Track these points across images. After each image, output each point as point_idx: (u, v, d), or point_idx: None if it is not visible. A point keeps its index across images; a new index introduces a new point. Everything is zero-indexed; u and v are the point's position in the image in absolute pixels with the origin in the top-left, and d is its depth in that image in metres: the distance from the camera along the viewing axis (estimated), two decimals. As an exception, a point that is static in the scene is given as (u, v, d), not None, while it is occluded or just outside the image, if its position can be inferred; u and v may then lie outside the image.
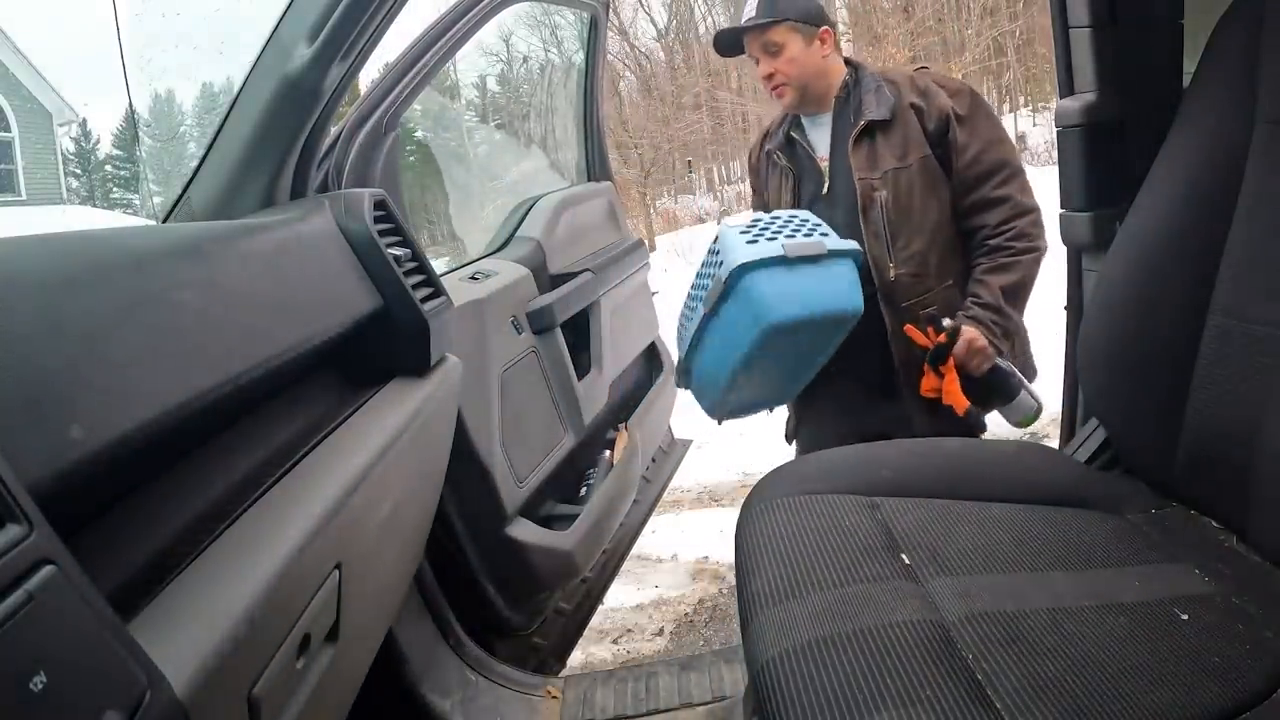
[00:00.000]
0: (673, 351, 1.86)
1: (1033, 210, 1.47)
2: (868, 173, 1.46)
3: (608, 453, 1.69)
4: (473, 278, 1.42)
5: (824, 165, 1.53)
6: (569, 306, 1.59)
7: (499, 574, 1.31)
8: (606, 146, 2.06)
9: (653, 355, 2.08)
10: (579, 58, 2.04)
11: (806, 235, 1.36)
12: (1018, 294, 1.46)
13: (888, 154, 1.46)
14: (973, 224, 1.48)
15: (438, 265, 1.06)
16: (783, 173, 1.59)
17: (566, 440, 1.52)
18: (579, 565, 1.44)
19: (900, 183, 1.45)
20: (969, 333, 1.40)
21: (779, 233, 1.36)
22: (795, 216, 1.41)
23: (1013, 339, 1.49)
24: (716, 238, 1.40)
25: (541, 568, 1.35)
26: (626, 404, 1.86)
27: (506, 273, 1.48)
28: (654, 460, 2.02)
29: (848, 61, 1.57)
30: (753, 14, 1.50)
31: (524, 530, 1.32)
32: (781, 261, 1.32)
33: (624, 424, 1.77)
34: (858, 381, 1.55)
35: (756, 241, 1.34)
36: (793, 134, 1.58)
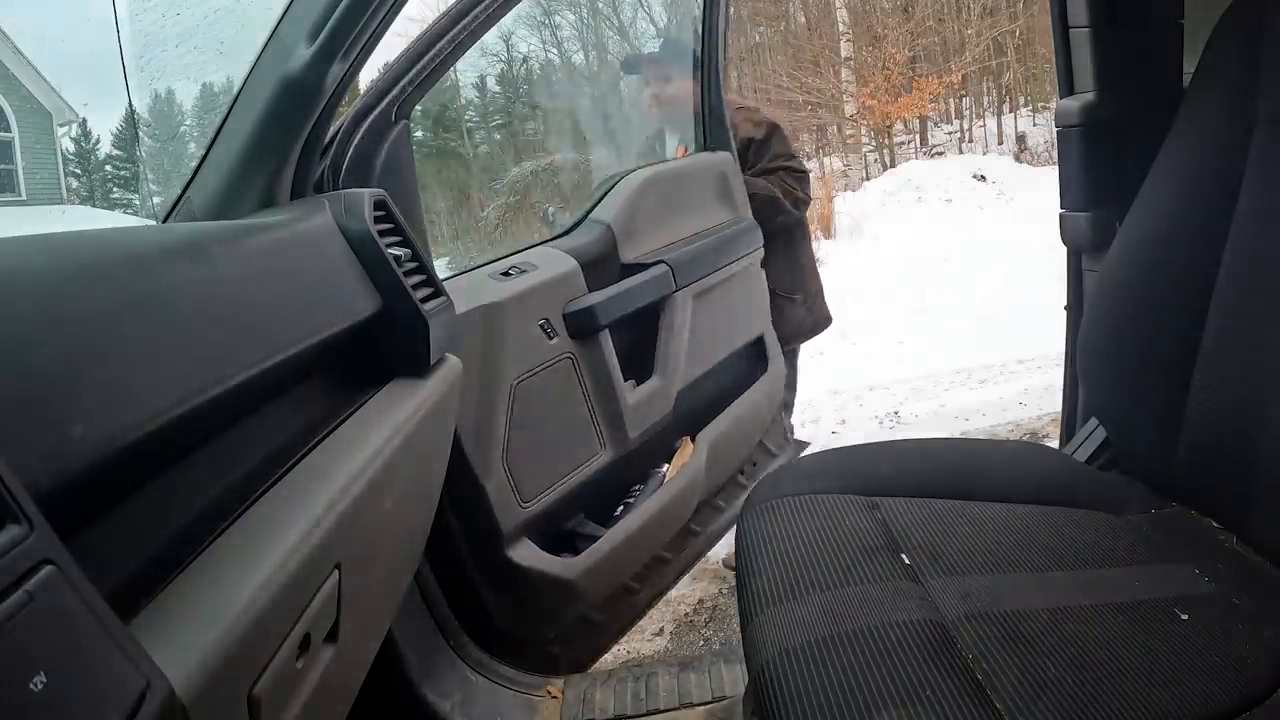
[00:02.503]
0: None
1: (799, 184, 2.02)
2: None
3: (665, 467, 1.54)
4: (505, 273, 1.30)
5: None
6: (626, 304, 1.43)
7: (499, 590, 1.27)
8: (725, 112, 1.84)
9: (759, 351, 1.86)
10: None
11: None
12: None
13: None
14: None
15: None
16: None
17: (603, 454, 1.40)
18: (582, 594, 1.34)
19: None
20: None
21: None
22: None
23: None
24: None
25: (539, 594, 1.28)
26: (713, 408, 1.67)
27: (547, 267, 1.34)
28: (754, 464, 1.87)
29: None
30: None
31: (525, 553, 1.26)
32: None
33: (689, 436, 1.60)
34: None
35: None
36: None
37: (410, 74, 1.15)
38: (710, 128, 1.81)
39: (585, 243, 1.44)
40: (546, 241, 1.46)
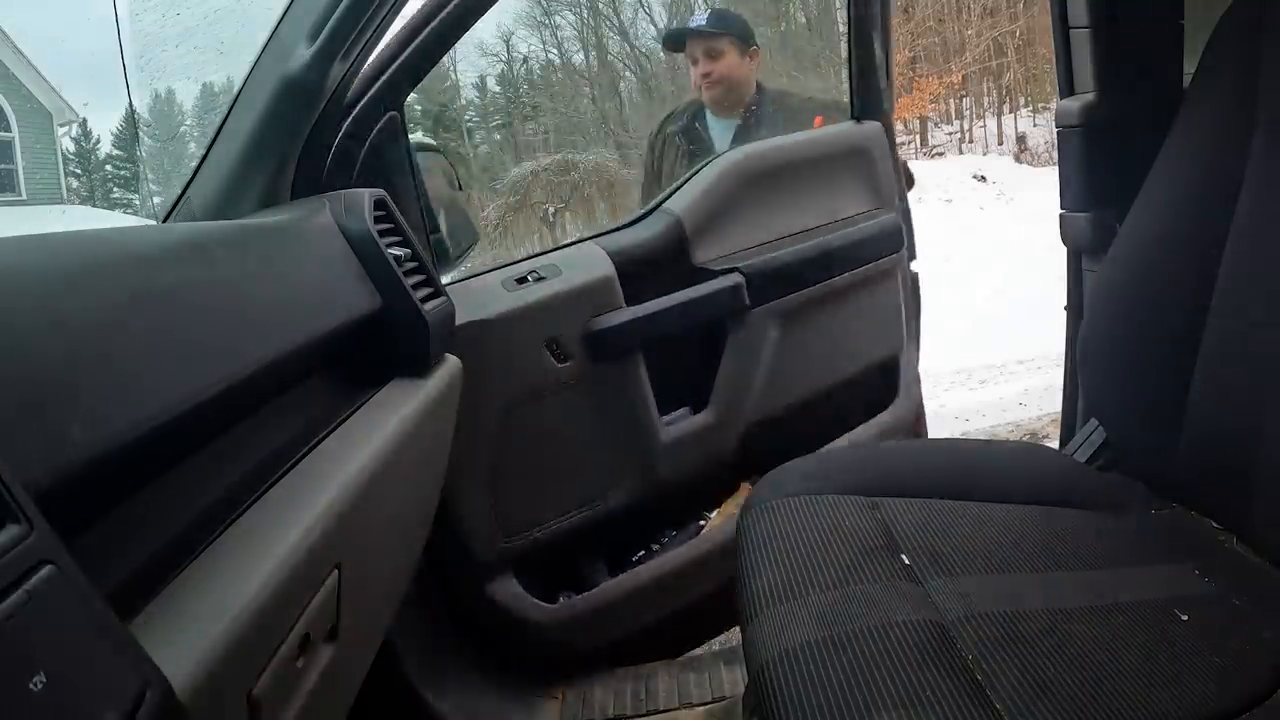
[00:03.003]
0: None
1: None
2: None
3: (712, 515, 1.31)
4: (521, 279, 1.15)
5: None
6: (676, 322, 1.21)
7: (479, 620, 1.20)
8: (882, 74, 1.47)
9: (884, 379, 1.52)
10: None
11: None
12: None
13: None
14: None
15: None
16: (679, 154, 1.89)
17: (617, 494, 1.23)
18: (555, 644, 1.22)
19: None
20: None
21: None
22: None
23: None
24: None
25: (512, 637, 1.18)
26: (797, 449, 1.20)
27: (575, 272, 1.16)
28: None
29: (758, 85, 1.89)
30: (702, 23, 1.84)
31: (504, 589, 1.17)
32: None
33: (748, 481, 1.33)
34: None
35: None
36: (696, 125, 1.89)
37: (398, 63, 1.06)
38: (863, 91, 1.45)
39: (646, 238, 1.22)
40: (599, 234, 1.26)
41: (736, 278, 1.26)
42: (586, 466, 1.21)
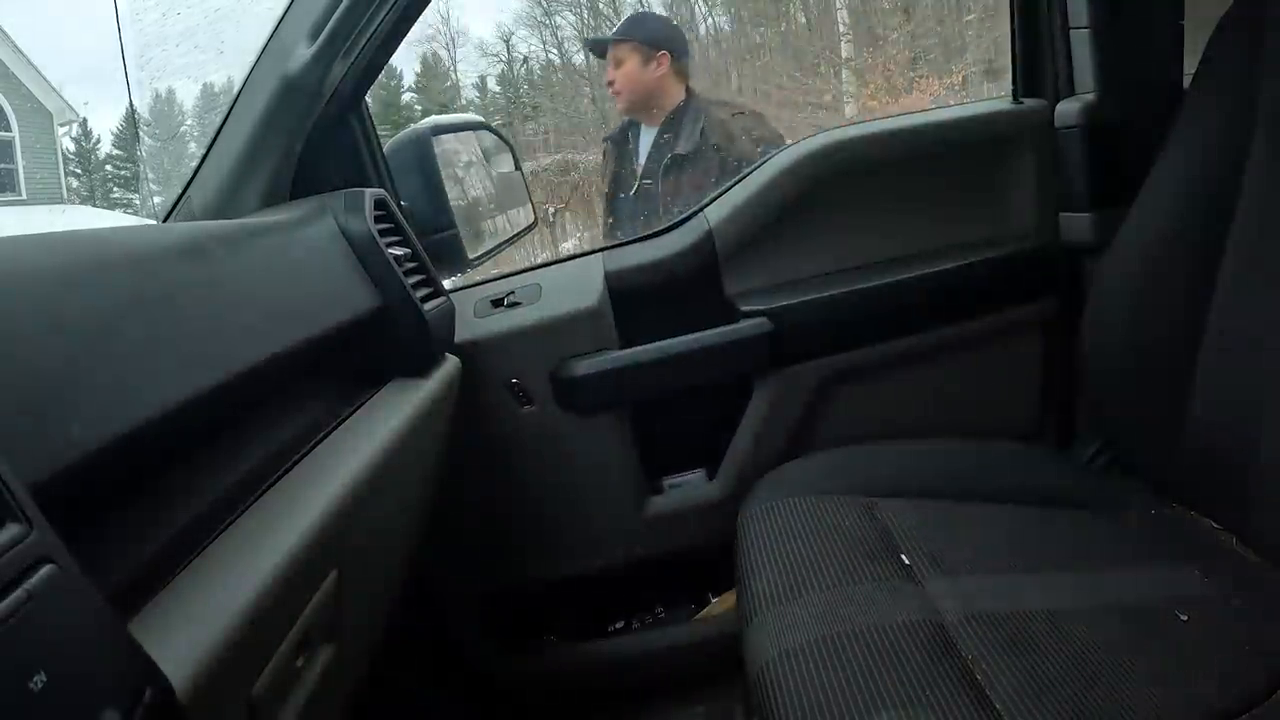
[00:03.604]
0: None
1: None
2: (671, 199, 1.75)
3: (715, 600, 1.12)
4: (497, 300, 1.01)
5: (638, 172, 1.83)
6: (669, 375, 0.99)
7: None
8: (1067, 48, 1.09)
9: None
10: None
11: None
12: None
13: (688, 185, 1.74)
14: None
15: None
16: (607, 162, 1.92)
17: (590, 561, 1.09)
18: (514, 696, 1.14)
19: None
20: None
21: None
22: None
23: None
24: None
25: (468, 682, 1.11)
26: None
27: (558, 298, 0.99)
28: None
29: (688, 90, 1.83)
30: (613, 31, 1.86)
31: (464, 632, 1.14)
32: None
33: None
34: None
35: None
36: (629, 133, 1.89)
37: (352, 57, 0.91)
38: (1032, 64, 1.11)
39: (663, 257, 1.00)
40: (615, 245, 1.05)
41: (764, 324, 1.00)
42: (557, 525, 1.06)
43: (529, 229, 1.13)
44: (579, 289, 1.00)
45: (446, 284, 1.00)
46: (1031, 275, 1.11)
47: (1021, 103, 1.12)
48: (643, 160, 1.86)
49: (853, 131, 1.07)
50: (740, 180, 1.06)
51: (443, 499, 0.97)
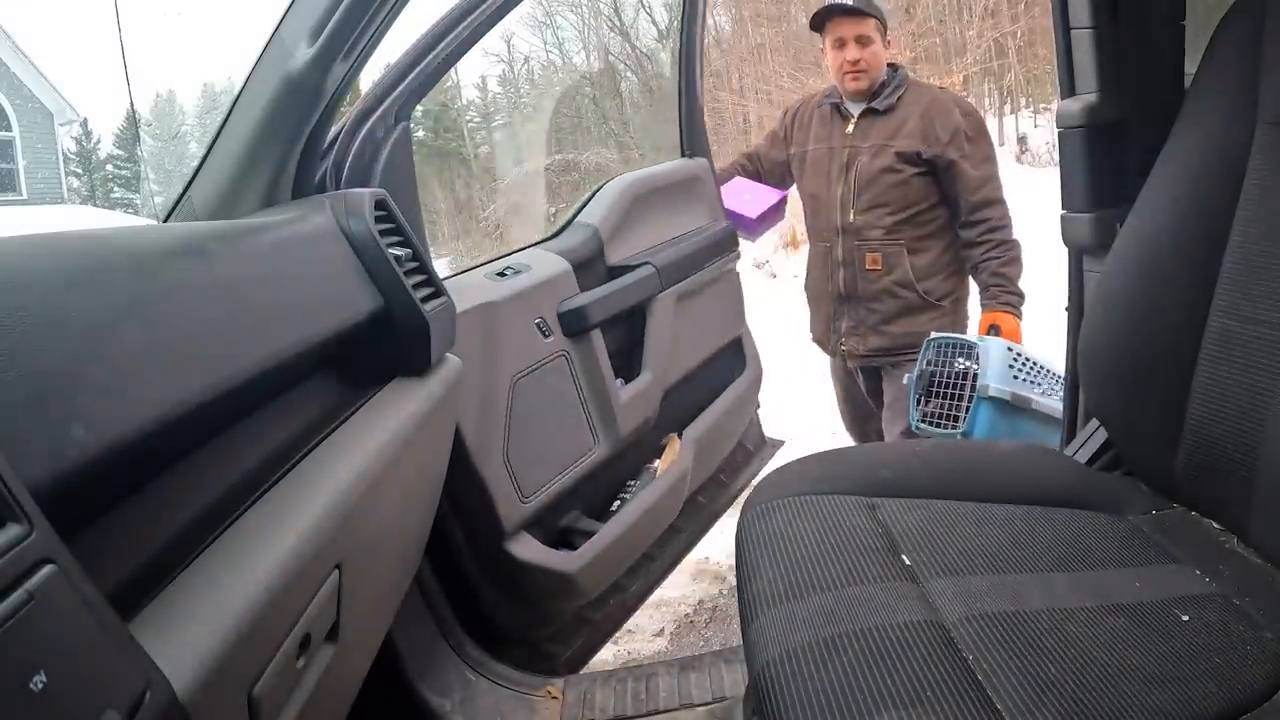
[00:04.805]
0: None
1: (1008, 223, 1.91)
2: (858, 142, 1.94)
3: (656, 463, 1.58)
4: (500, 273, 1.34)
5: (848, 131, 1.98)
6: (615, 304, 1.48)
7: (499, 586, 1.28)
8: (703, 120, 1.92)
9: (736, 353, 1.94)
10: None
11: (1050, 394, 1.67)
12: (1019, 272, 1.90)
13: (876, 133, 1.92)
14: (969, 219, 1.90)
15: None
16: (822, 122, 2.02)
17: (597, 450, 1.42)
18: (582, 590, 1.37)
19: (876, 155, 1.91)
20: (1008, 321, 1.85)
21: (1035, 383, 1.67)
22: (1051, 373, 1.69)
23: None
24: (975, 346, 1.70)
25: (539, 588, 1.31)
26: (696, 406, 1.74)
27: (541, 267, 1.39)
28: (734, 460, 1.92)
29: (890, 64, 1.97)
30: (851, 1, 1.87)
31: (525, 547, 1.27)
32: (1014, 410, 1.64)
33: (677, 433, 1.65)
34: (822, 299, 2.06)
35: (1017, 377, 1.66)
36: (836, 104, 2.00)
37: (411, 76, 1.16)
38: (689, 134, 1.86)
39: (573, 245, 1.47)
40: (537, 244, 1.49)
41: (650, 269, 1.55)
42: (574, 428, 1.39)
43: None
44: (550, 262, 1.41)
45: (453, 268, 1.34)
46: (729, 243, 1.88)
47: (691, 157, 1.88)
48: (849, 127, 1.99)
49: (637, 174, 1.69)
50: (600, 190, 1.61)
51: (507, 427, 1.25)
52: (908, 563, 0.83)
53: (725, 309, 1.85)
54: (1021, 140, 9.67)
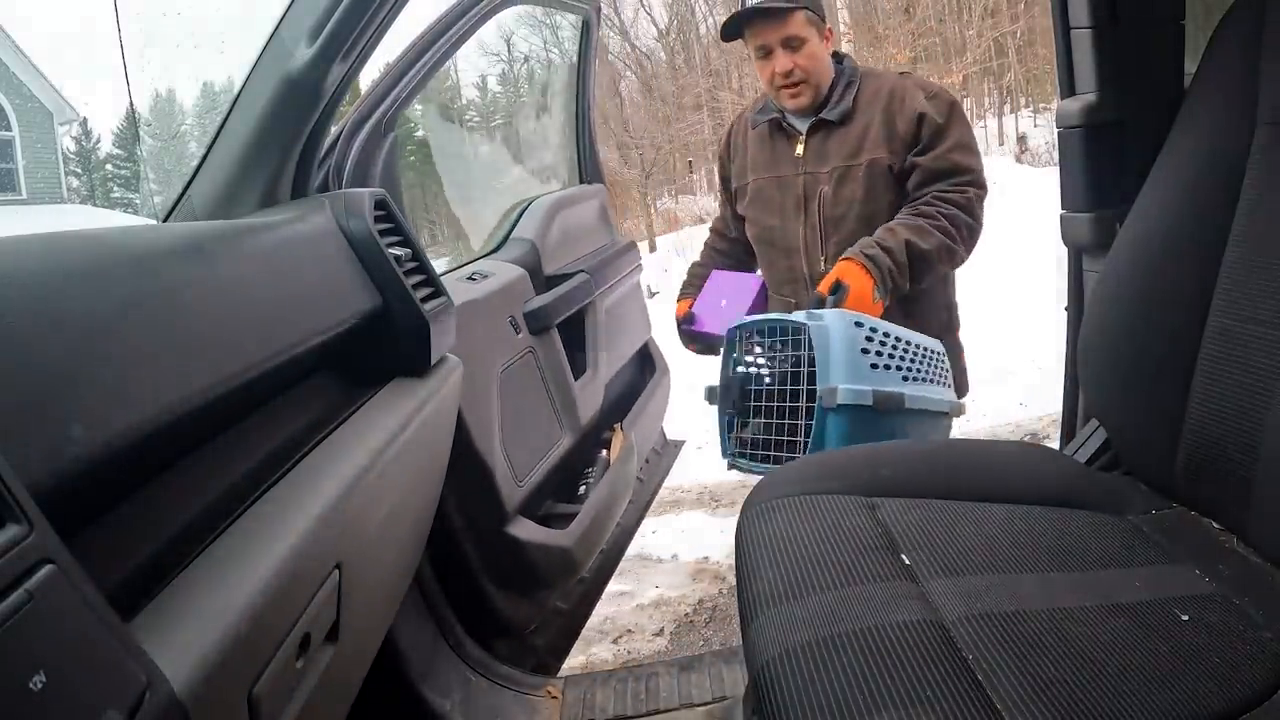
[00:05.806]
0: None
1: (975, 221, 1.45)
2: (815, 167, 1.50)
3: (604, 452, 1.69)
4: (470, 278, 1.43)
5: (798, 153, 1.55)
6: (565, 307, 1.59)
7: (499, 572, 1.31)
8: (598, 149, 2.06)
9: (645, 357, 2.08)
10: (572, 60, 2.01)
11: (927, 380, 1.24)
12: (921, 261, 1.37)
13: (836, 151, 1.48)
14: (917, 194, 1.45)
15: (438, 265, 1.05)
16: (761, 145, 1.58)
17: (564, 440, 1.52)
18: (579, 562, 1.45)
19: (841, 182, 1.48)
20: (857, 278, 1.30)
21: (898, 366, 1.20)
22: (925, 350, 1.27)
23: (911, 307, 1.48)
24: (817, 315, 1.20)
25: (541, 565, 1.35)
26: (620, 405, 1.86)
27: (503, 273, 1.49)
28: (648, 461, 2.01)
29: (835, 55, 1.53)
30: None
31: (524, 529, 1.32)
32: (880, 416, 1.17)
33: (619, 424, 1.78)
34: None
35: (875, 366, 1.18)
36: (777, 120, 1.56)
37: (398, 87, 1.21)
38: (587, 164, 2.04)
39: (515, 257, 1.59)
40: (483, 256, 1.61)
41: (585, 276, 1.69)
42: (546, 419, 1.49)
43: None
44: (507, 269, 1.51)
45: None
46: (634, 256, 2.07)
47: (590, 184, 2.06)
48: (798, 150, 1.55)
49: (556, 195, 1.83)
50: (528, 209, 1.72)
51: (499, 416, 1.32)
52: (907, 562, 0.83)
53: (636, 316, 2.02)
54: (1021, 140, 9.68)
